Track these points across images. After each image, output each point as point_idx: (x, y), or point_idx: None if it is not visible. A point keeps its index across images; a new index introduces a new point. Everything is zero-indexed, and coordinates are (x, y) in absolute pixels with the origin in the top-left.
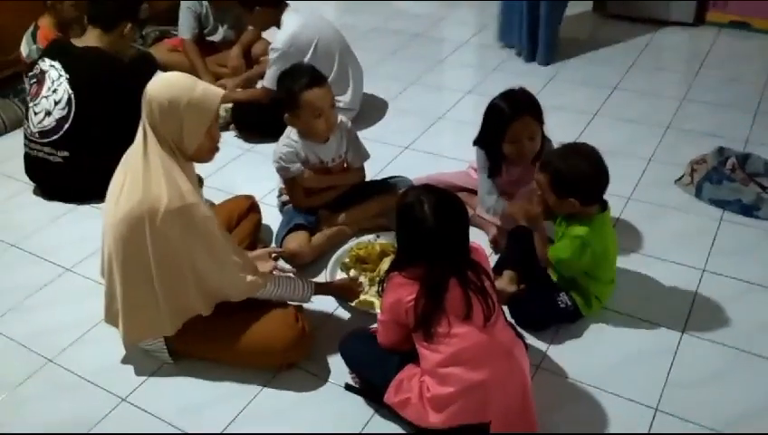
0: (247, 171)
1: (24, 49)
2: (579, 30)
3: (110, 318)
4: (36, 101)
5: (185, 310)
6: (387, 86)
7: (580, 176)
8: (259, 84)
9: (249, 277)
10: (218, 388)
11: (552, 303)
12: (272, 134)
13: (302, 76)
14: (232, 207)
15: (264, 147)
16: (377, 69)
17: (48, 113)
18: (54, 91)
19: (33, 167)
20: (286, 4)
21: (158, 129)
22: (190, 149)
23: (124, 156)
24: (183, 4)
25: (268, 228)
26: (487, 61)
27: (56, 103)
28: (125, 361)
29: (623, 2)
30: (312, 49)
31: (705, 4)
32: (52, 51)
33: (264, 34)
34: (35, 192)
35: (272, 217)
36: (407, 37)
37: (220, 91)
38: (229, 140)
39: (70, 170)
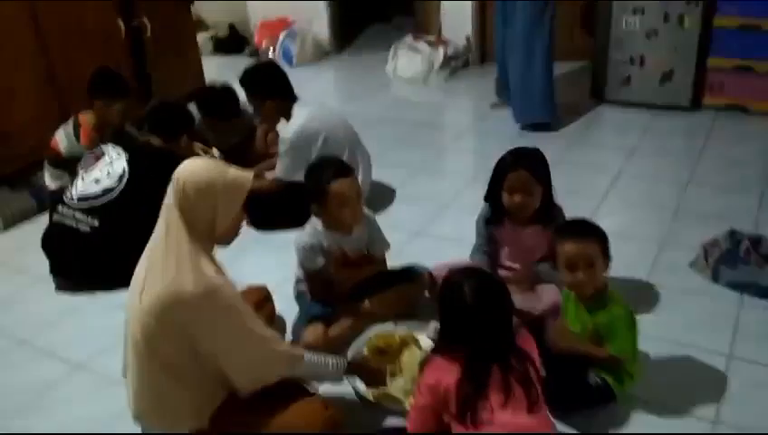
0: (259, 261)
1: (63, 143)
2: (579, 115)
3: (139, 414)
4: (89, 171)
5: (214, 398)
6: (394, 173)
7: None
8: (269, 175)
9: (284, 352)
10: None
11: (582, 382)
12: (283, 224)
13: (330, 167)
14: (246, 300)
15: (274, 236)
16: (383, 157)
17: (97, 181)
18: (110, 164)
19: (55, 236)
20: (296, 98)
21: (190, 212)
22: (220, 231)
23: (146, 249)
24: None
25: (281, 319)
26: (489, 147)
27: (109, 175)
28: None
29: (620, 87)
30: (320, 141)
31: (701, 88)
32: (116, 139)
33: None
34: (48, 284)
35: (286, 306)
36: (410, 125)
37: (250, 174)
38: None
39: (94, 243)
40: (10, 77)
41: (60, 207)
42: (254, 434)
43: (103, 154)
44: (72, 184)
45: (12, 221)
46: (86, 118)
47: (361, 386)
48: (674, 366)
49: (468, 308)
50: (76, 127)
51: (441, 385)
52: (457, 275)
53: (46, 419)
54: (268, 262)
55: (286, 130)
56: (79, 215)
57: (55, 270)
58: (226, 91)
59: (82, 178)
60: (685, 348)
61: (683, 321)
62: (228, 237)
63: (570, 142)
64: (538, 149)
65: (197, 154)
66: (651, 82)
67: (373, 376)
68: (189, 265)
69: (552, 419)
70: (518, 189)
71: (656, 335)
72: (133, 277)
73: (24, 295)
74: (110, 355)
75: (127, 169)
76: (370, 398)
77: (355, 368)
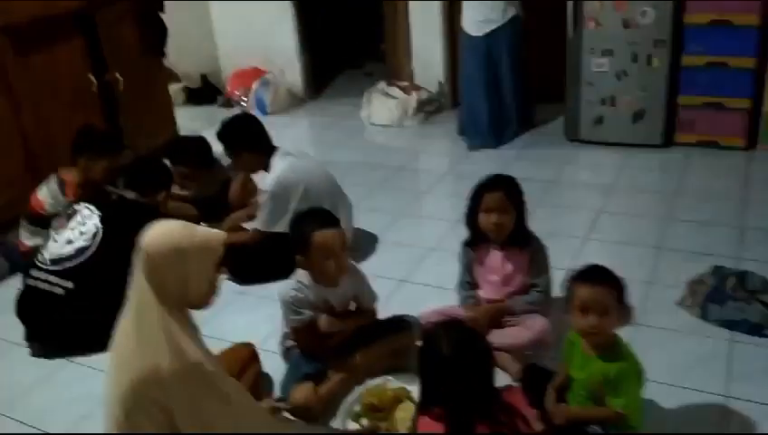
0: (243, 316)
1: (48, 200)
2: (553, 156)
3: None
4: (60, 232)
5: None
6: (374, 219)
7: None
8: (248, 226)
9: (269, 427)
10: None
11: (584, 433)
12: (266, 277)
13: (315, 218)
14: (230, 360)
15: (258, 290)
16: (363, 203)
17: (69, 242)
18: (83, 224)
19: (30, 301)
20: (275, 148)
21: (160, 281)
22: (193, 296)
23: (118, 324)
24: None
25: (267, 376)
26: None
27: (81, 234)
28: None
29: (593, 127)
30: (301, 190)
31: (672, 125)
32: (88, 197)
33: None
34: (24, 348)
35: (272, 362)
36: (388, 170)
37: (222, 233)
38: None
39: (70, 304)
40: None
41: (33, 272)
42: None
43: (75, 213)
44: (44, 246)
45: None
46: (70, 175)
47: None
48: (671, 411)
49: (444, 364)
50: (61, 184)
51: None
52: (434, 331)
53: None
54: (253, 316)
55: (265, 180)
56: (53, 278)
57: (30, 336)
58: (200, 141)
59: (54, 240)
60: (681, 391)
61: (675, 362)
62: (204, 302)
63: (547, 184)
64: (512, 177)
65: (173, 210)
66: (624, 122)
67: None
68: (163, 343)
69: None
70: (494, 209)
71: (649, 376)
72: (111, 351)
73: (1, 363)
74: (90, 423)
75: (100, 227)
76: None
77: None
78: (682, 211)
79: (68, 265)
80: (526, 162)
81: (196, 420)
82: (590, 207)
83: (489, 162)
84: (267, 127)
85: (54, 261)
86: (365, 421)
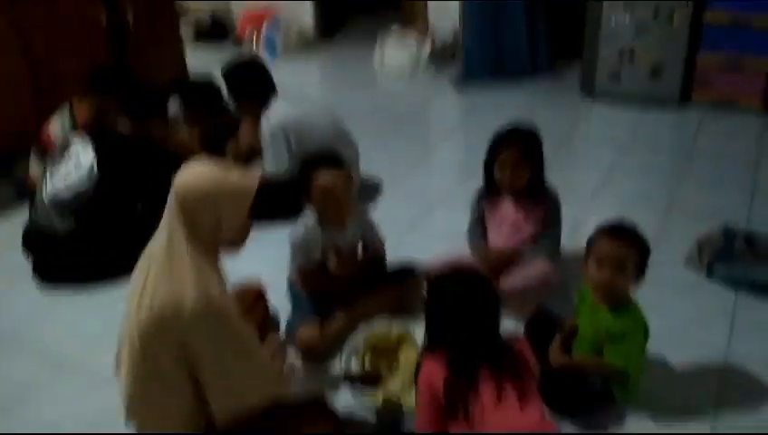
0: (251, 257)
1: (58, 133)
2: (567, 110)
3: (132, 415)
4: (56, 170)
5: (205, 412)
6: (383, 168)
7: (647, 257)
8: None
9: (278, 380)
10: None
11: (585, 385)
12: (273, 218)
13: (319, 159)
14: (239, 299)
15: (265, 231)
16: (374, 151)
17: (66, 180)
18: (78, 161)
19: (35, 239)
20: (275, 92)
21: (193, 221)
22: (226, 239)
23: (146, 249)
24: None
25: (274, 316)
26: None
27: (77, 169)
28: None
29: (610, 83)
30: (299, 133)
31: (690, 83)
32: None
33: None
34: (31, 278)
35: (279, 301)
36: (399, 119)
37: (256, 176)
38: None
39: (73, 244)
40: None
41: (33, 211)
42: None
43: (69, 147)
44: (42, 183)
45: None
46: (82, 108)
47: (361, 391)
48: (672, 364)
49: (449, 307)
50: (72, 116)
51: (433, 385)
52: (441, 274)
53: (34, 417)
54: (262, 256)
55: (264, 124)
56: (54, 218)
57: (36, 271)
58: (210, 85)
59: (51, 176)
60: (683, 346)
61: (679, 318)
62: (236, 245)
63: (560, 139)
64: (533, 127)
65: (171, 138)
66: (641, 78)
67: (370, 380)
68: (191, 280)
69: (548, 417)
70: (508, 166)
71: (653, 332)
72: (132, 281)
73: (8, 292)
74: (99, 353)
75: (95, 165)
76: (370, 402)
77: (351, 378)
78: (694, 170)
79: (67, 205)
80: (540, 115)
81: (211, 362)
82: (602, 162)
83: (502, 112)
84: (277, 68)
85: (53, 201)
86: (368, 361)
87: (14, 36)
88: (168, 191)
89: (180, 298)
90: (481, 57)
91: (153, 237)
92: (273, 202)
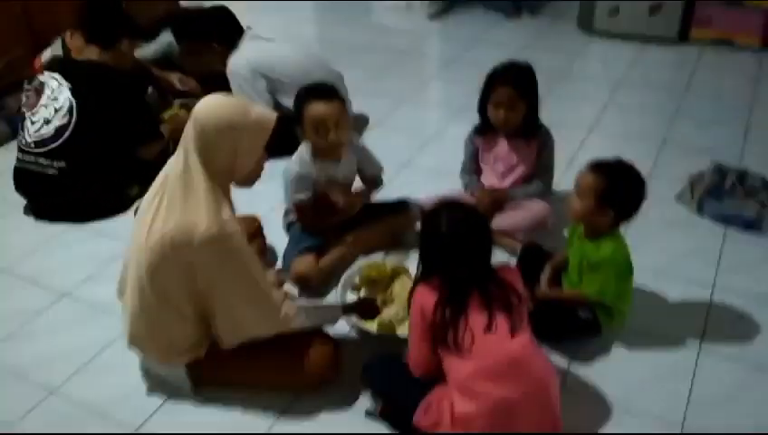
0: (247, 191)
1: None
2: (565, 47)
3: (135, 340)
4: (34, 111)
5: (210, 336)
6: (377, 104)
7: (634, 194)
8: None
9: (282, 314)
10: (235, 415)
11: (573, 316)
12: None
13: (311, 92)
14: None
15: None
16: (366, 87)
17: (47, 121)
18: (55, 99)
19: (25, 181)
20: (243, 31)
21: (209, 152)
22: (240, 174)
23: (159, 176)
24: None
25: (271, 249)
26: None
27: (56, 111)
28: (134, 389)
29: (608, 18)
30: (271, 68)
31: (688, 21)
32: (52, 65)
33: None
34: (26, 212)
35: (275, 236)
36: (394, 54)
37: (273, 114)
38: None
39: (64, 183)
40: None
41: (20, 155)
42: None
43: (43, 86)
44: (22, 128)
45: None
46: (75, 41)
47: (355, 319)
48: (659, 297)
49: (443, 238)
50: (65, 50)
51: (425, 310)
52: (436, 207)
53: (30, 347)
54: (256, 191)
55: (232, 63)
56: (42, 160)
57: (31, 210)
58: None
59: (31, 121)
60: (671, 280)
61: (668, 252)
62: (250, 179)
63: (557, 76)
64: (529, 65)
65: (137, 61)
66: (640, 14)
67: (368, 309)
68: (205, 207)
69: (536, 343)
70: (502, 104)
71: (641, 266)
72: (142, 206)
73: (3, 224)
74: (95, 284)
75: (73, 101)
76: (365, 328)
77: (348, 308)
78: (690, 108)
79: (53, 145)
80: (537, 51)
81: (219, 289)
82: (598, 100)
83: (499, 49)
84: (270, 6)
85: (38, 143)
86: (363, 293)
87: None
88: (146, 113)
89: (193, 224)
90: None
91: (167, 165)
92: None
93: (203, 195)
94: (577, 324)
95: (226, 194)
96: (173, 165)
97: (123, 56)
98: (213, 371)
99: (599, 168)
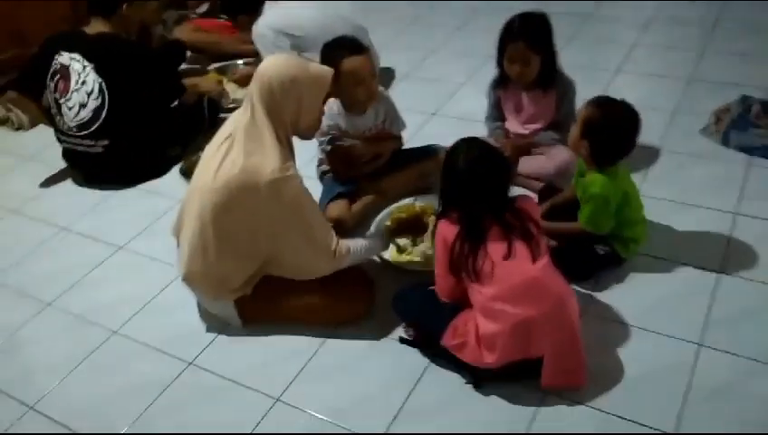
0: None
1: None
2: None
3: (190, 276)
4: (67, 97)
5: (262, 271)
6: (406, 57)
7: (612, 132)
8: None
9: (337, 254)
10: (282, 346)
11: (592, 252)
12: None
13: (343, 46)
14: None
15: None
16: (395, 41)
17: (83, 105)
18: (84, 82)
19: (74, 159)
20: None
21: (276, 106)
22: (303, 125)
23: (225, 127)
24: None
25: None
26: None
27: (89, 94)
28: (187, 327)
29: None
30: (289, 25)
31: None
32: (67, 42)
33: None
34: (75, 179)
35: (309, 185)
36: (422, 6)
37: (330, 70)
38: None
39: (111, 158)
40: None
41: (63, 137)
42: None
43: (68, 70)
44: (59, 113)
45: (38, 119)
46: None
47: (387, 254)
48: (682, 225)
49: (460, 174)
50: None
51: (447, 242)
52: (455, 145)
53: (93, 294)
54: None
55: (255, 29)
56: (87, 141)
57: (82, 178)
58: None
59: (68, 107)
60: (693, 208)
61: (692, 183)
62: (310, 131)
63: (583, 19)
64: (543, 16)
65: (147, 23)
66: None
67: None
68: (270, 155)
69: (554, 267)
70: (516, 59)
71: (665, 197)
72: (206, 153)
73: (57, 190)
74: (148, 237)
75: (101, 82)
76: (398, 262)
77: (391, 233)
78: (718, 43)
79: (93, 127)
80: None
81: (277, 231)
82: (624, 41)
83: None
84: None
85: (80, 126)
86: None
87: None
88: (174, 80)
89: (259, 168)
90: None
91: (230, 118)
92: None
93: (268, 143)
94: (598, 260)
95: (288, 144)
96: (239, 118)
97: (127, 20)
98: (259, 308)
99: (593, 101)
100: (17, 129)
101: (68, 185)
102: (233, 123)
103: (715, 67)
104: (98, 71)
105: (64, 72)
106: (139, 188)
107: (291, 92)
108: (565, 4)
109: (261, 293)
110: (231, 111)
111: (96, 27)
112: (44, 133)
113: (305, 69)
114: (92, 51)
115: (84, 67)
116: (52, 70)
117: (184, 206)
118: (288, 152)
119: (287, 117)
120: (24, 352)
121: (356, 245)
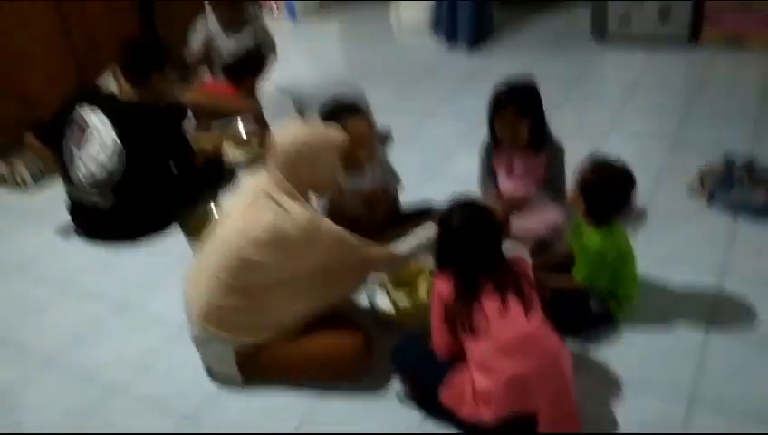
0: None
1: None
2: (579, 53)
3: (193, 318)
4: (82, 148)
5: (269, 325)
6: (402, 121)
7: (606, 192)
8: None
9: (388, 252)
10: (279, 403)
11: (585, 308)
12: None
13: (344, 107)
14: None
15: None
16: (390, 105)
17: (95, 160)
18: (99, 136)
19: (80, 213)
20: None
21: (293, 170)
22: (320, 185)
23: (246, 186)
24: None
25: None
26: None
27: (103, 149)
28: (189, 383)
29: (620, 26)
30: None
31: (699, 23)
32: (90, 98)
33: None
34: (79, 234)
35: None
36: (417, 73)
37: (344, 135)
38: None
39: (117, 215)
40: (23, 37)
41: (71, 189)
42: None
43: (86, 122)
44: (71, 163)
45: (41, 176)
46: (121, 80)
47: (382, 306)
48: (670, 283)
49: (454, 233)
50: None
51: (442, 299)
52: (449, 205)
53: (95, 351)
54: None
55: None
56: (95, 197)
57: (85, 234)
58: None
59: (81, 159)
60: (681, 267)
61: (680, 242)
62: (328, 189)
63: (572, 81)
64: (530, 81)
65: (173, 92)
66: (650, 19)
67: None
68: (293, 207)
69: (548, 323)
70: (506, 125)
71: (651, 254)
72: (227, 209)
73: (60, 245)
74: (148, 294)
75: (119, 143)
76: (390, 314)
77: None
78: (702, 106)
79: (104, 183)
80: (552, 59)
81: (322, 263)
82: (613, 103)
83: (516, 59)
84: (296, 32)
85: (91, 183)
86: (390, 291)
87: (50, 6)
88: (184, 142)
89: (286, 218)
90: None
91: (251, 178)
92: None
93: (292, 199)
94: (590, 317)
95: (307, 199)
96: (257, 180)
97: (159, 92)
98: (260, 365)
99: (590, 161)
100: (19, 183)
101: (69, 243)
102: (253, 183)
103: (699, 129)
104: (120, 136)
105: (82, 122)
106: (142, 245)
107: (307, 158)
108: (555, 67)
109: (261, 352)
110: (232, 169)
111: (128, 95)
112: (47, 191)
113: (319, 135)
114: (118, 115)
115: (104, 126)
116: (71, 118)
117: (199, 263)
118: (307, 203)
119: (305, 179)
120: (20, 409)
121: (404, 242)
